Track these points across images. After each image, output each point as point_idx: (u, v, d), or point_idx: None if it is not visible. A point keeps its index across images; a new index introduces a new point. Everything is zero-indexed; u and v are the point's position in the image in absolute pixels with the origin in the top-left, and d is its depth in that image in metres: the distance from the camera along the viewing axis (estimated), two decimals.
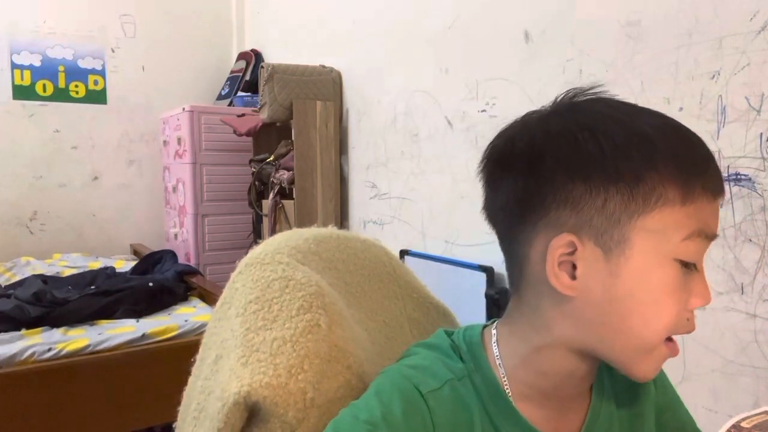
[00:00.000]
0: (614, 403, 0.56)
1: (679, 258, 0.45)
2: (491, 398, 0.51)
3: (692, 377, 1.16)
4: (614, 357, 0.48)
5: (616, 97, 0.51)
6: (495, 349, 0.53)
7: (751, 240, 1.07)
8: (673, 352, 0.48)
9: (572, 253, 0.47)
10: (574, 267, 0.47)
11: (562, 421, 0.53)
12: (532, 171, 0.48)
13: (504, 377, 0.52)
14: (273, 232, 2.48)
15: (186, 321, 1.87)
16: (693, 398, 1.16)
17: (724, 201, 0.49)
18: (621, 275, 0.46)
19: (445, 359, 0.53)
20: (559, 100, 0.52)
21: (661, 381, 0.61)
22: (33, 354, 1.60)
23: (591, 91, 0.51)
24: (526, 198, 0.48)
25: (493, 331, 0.54)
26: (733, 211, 1.09)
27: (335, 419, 0.48)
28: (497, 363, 0.52)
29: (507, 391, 0.51)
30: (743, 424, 0.46)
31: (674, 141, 0.46)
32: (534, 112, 0.52)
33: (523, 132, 0.50)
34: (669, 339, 0.47)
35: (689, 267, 0.46)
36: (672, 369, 1.19)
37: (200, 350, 0.60)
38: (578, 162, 0.46)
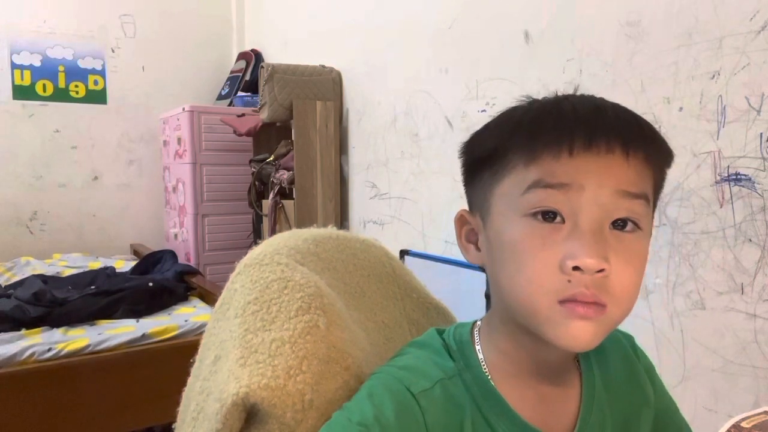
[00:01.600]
0: (606, 398, 0.55)
1: (526, 212, 0.47)
2: (482, 396, 0.51)
3: (692, 377, 1.16)
4: (526, 324, 0.49)
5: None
6: (477, 340, 0.54)
7: (751, 240, 1.07)
8: (575, 314, 0.45)
9: (471, 228, 0.54)
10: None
11: (553, 414, 0.53)
12: (466, 157, 0.56)
13: (485, 368, 0.52)
14: (273, 232, 2.48)
15: (186, 321, 1.87)
16: (693, 398, 1.16)
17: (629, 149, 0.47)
18: (489, 239, 0.51)
19: (436, 358, 0.53)
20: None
21: (659, 385, 0.61)
22: (33, 354, 1.60)
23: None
24: (464, 187, 0.57)
25: (477, 323, 0.56)
26: (733, 211, 1.09)
27: (328, 422, 0.48)
28: (478, 353, 0.53)
29: (490, 380, 0.51)
30: (743, 424, 0.46)
31: (531, 115, 0.49)
32: None
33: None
34: (569, 301, 0.45)
35: (550, 223, 0.46)
36: (672, 369, 1.20)
37: (199, 351, 0.60)
38: (469, 145, 0.55)
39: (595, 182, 0.46)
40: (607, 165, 0.46)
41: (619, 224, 0.47)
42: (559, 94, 0.52)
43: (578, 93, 0.52)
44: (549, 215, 0.46)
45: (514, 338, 0.52)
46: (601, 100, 0.50)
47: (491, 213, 0.50)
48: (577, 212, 0.46)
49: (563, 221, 0.46)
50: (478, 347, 0.54)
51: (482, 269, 0.56)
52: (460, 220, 0.55)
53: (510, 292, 0.48)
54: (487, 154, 0.51)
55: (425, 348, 0.55)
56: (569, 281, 0.45)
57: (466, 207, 0.56)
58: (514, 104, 0.53)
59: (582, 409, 0.54)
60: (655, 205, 0.51)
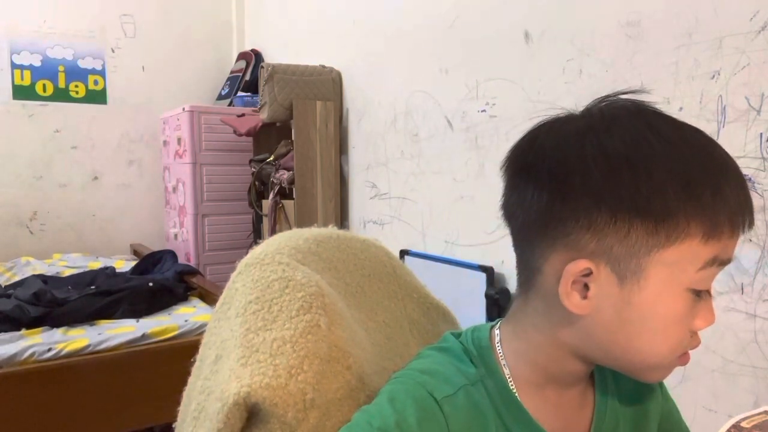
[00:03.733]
0: (618, 402, 0.56)
1: (692, 287, 0.46)
2: (504, 404, 0.51)
3: (692, 377, 1.16)
4: (619, 367, 0.51)
5: (654, 105, 0.49)
6: (499, 349, 0.53)
7: (751, 240, 1.07)
8: (683, 362, 0.50)
9: (587, 275, 0.47)
10: (587, 287, 0.47)
11: (570, 420, 0.54)
12: (559, 189, 0.47)
13: (509, 377, 0.52)
14: (273, 232, 2.48)
15: (186, 321, 1.87)
16: (693, 398, 1.16)
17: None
18: (633, 302, 0.46)
19: (458, 363, 0.53)
20: (593, 107, 0.50)
21: (665, 390, 0.62)
22: (33, 354, 1.60)
23: (625, 96, 0.50)
24: (548, 213, 0.48)
25: (497, 331, 0.55)
26: None
27: (348, 425, 0.48)
28: (502, 363, 0.52)
29: (513, 389, 0.51)
30: (743, 424, 0.46)
31: (710, 179, 0.45)
32: (563, 117, 0.50)
33: (553, 141, 0.49)
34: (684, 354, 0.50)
35: (701, 294, 0.47)
36: None
37: (200, 350, 0.60)
38: (609, 191, 0.45)
39: None
40: None
41: None
42: (702, 132, 0.49)
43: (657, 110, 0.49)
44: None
45: (562, 361, 0.52)
46: (736, 165, 0.49)
47: (643, 278, 0.46)
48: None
49: (707, 293, 0.48)
50: (500, 354, 0.53)
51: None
52: (583, 272, 0.47)
53: (642, 353, 0.48)
54: (653, 212, 0.44)
55: (445, 352, 0.54)
56: (692, 337, 0.49)
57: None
58: (658, 142, 0.45)
59: (596, 414, 0.55)
60: None
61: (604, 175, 0.45)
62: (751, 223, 0.48)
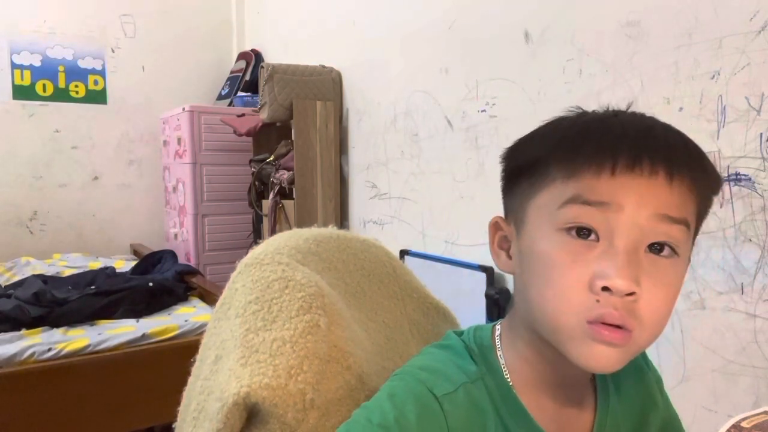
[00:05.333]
0: (619, 409, 0.56)
1: (560, 227, 0.46)
2: (504, 402, 0.51)
3: (692, 377, 1.16)
4: (550, 339, 0.48)
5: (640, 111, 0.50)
6: (499, 348, 0.54)
7: (751, 240, 1.07)
8: (602, 336, 0.44)
9: (505, 235, 0.54)
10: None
11: (570, 424, 0.54)
12: (502, 171, 0.55)
13: (509, 376, 0.52)
14: (273, 232, 2.48)
15: (186, 321, 1.87)
16: (693, 398, 1.16)
17: (671, 178, 0.45)
18: (522, 249, 0.51)
19: (458, 360, 0.53)
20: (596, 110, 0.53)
21: (666, 397, 0.62)
22: (33, 354, 1.60)
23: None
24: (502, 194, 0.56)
25: (497, 328, 0.55)
26: (733, 211, 1.09)
27: (348, 422, 0.48)
28: (500, 359, 0.53)
29: (513, 388, 0.51)
30: (743, 424, 0.46)
31: (575, 129, 0.48)
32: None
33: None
34: (596, 323, 0.44)
35: (584, 240, 0.45)
36: (672, 369, 1.20)
37: (200, 350, 0.60)
38: (512, 154, 0.53)
39: (635, 203, 0.44)
40: (649, 187, 0.45)
41: (656, 248, 0.46)
42: (611, 108, 0.51)
43: (630, 110, 0.51)
44: (584, 232, 0.46)
45: (537, 349, 0.51)
46: (652, 119, 0.48)
47: (526, 223, 0.50)
48: (613, 232, 0.45)
49: (597, 239, 0.45)
50: (500, 353, 0.53)
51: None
52: (495, 227, 0.55)
53: (537, 305, 0.48)
54: (528, 164, 0.50)
55: (447, 350, 0.55)
56: (597, 301, 0.44)
57: (501, 214, 0.56)
58: (562, 114, 0.52)
59: (597, 418, 0.54)
60: (696, 232, 0.50)
61: (511, 150, 0.54)
62: (672, 170, 0.45)
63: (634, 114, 0.49)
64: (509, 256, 0.53)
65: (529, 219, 0.50)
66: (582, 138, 0.47)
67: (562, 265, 0.46)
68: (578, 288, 0.45)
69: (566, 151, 0.47)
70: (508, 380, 0.52)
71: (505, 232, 0.54)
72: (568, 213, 0.46)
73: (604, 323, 0.44)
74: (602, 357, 0.45)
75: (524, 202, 0.50)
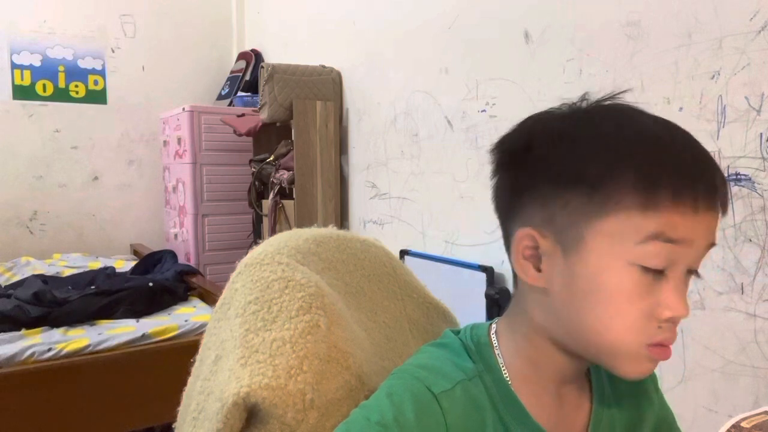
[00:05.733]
0: (614, 406, 0.56)
1: (636, 262, 0.45)
2: (502, 399, 0.51)
3: (692, 377, 1.16)
4: (591, 356, 0.49)
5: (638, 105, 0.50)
6: (496, 345, 0.54)
7: (751, 240, 1.07)
8: (660, 356, 0.47)
9: (537, 247, 0.49)
10: (541, 260, 0.49)
11: (567, 419, 0.54)
12: (520, 167, 0.51)
13: (506, 372, 0.52)
14: (273, 232, 2.48)
15: (186, 321, 1.87)
16: (693, 398, 1.16)
17: (724, 210, 0.47)
18: (577, 273, 0.47)
19: (455, 358, 0.53)
20: (574, 102, 0.53)
21: (661, 395, 0.62)
22: (33, 354, 1.60)
23: (612, 96, 0.52)
24: (511, 192, 0.52)
25: (494, 326, 0.56)
26: (733, 211, 1.09)
27: (346, 420, 0.48)
28: (498, 357, 0.53)
29: (510, 385, 0.51)
30: (743, 424, 0.46)
31: (642, 149, 0.45)
32: (551, 110, 0.53)
33: (531, 127, 0.52)
34: (658, 345, 0.47)
35: (654, 273, 0.45)
36: (672, 369, 1.20)
37: (200, 351, 0.60)
38: (550, 163, 0.48)
39: (704, 237, 0.46)
40: (715, 220, 0.47)
41: (693, 271, 0.48)
42: (655, 116, 0.49)
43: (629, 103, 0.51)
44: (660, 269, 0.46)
45: (547, 353, 0.52)
46: (700, 146, 0.47)
47: (584, 249, 0.47)
48: (678, 263, 0.46)
49: (664, 274, 0.46)
50: (497, 350, 0.54)
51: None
52: (526, 239, 0.50)
53: (594, 331, 0.47)
54: (586, 180, 0.46)
55: (444, 348, 0.55)
56: (659, 327, 0.46)
57: (524, 221, 0.52)
58: (602, 117, 0.49)
59: (593, 414, 0.55)
60: None
61: (549, 148, 0.48)
62: (724, 206, 0.47)
63: (687, 135, 0.48)
64: (538, 269, 0.49)
65: (590, 245, 0.46)
66: (658, 165, 0.45)
67: (632, 299, 0.46)
68: (645, 317, 0.46)
69: (641, 178, 0.44)
70: (506, 377, 0.52)
71: (539, 246, 0.49)
72: (649, 249, 0.45)
73: (664, 346, 0.47)
74: (648, 370, 0.48)
75: (580, 222, 0.46)
